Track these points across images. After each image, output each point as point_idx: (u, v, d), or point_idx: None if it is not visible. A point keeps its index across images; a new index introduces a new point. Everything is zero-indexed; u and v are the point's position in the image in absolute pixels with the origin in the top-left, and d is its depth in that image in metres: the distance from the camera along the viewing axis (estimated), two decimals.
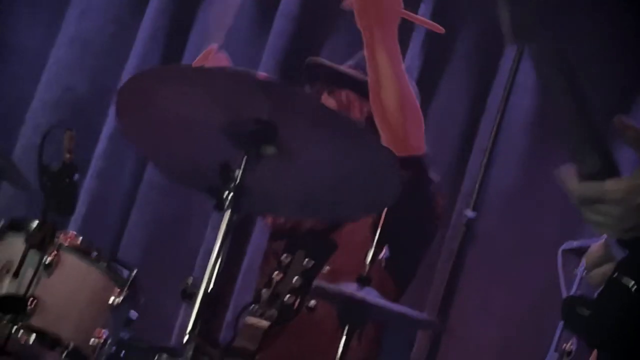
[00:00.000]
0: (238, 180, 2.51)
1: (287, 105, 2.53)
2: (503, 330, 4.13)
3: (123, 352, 2.79)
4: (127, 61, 5.04)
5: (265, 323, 2.28)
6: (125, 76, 4.89)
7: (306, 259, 2.35)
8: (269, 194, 2.70)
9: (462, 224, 4.19)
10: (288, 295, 2.30)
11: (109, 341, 2.73)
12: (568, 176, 1.77)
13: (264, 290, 2.32)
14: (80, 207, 4.70)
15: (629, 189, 1.71)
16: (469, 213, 4.22)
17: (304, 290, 2.31)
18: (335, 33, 4.74)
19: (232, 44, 4.55)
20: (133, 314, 2.82)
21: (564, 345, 3.24)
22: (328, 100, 3.38)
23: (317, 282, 2.59)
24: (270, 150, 2.59)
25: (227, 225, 2.50)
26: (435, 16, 4.43)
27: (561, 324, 3.31)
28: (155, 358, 2.77)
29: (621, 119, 1.76)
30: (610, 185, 1.71)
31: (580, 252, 3.47)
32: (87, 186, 4.88)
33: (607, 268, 1.83)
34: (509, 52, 4.31)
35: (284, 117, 2.55)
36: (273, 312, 2.29)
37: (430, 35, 4.49)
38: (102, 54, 5.13)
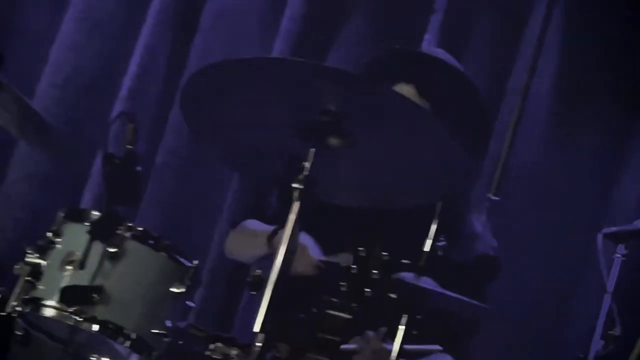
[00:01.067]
0: (307, 173, 2.51)
1: (354, 96, 2.53)
2: (534, 316, 4.16)
3: (181, 340, 2.78)
4: (136, 41, 4.98)
5: (346, 316, 2.29)
6: (134, 58, 4.85)
7: (383, 253, 2.35)
8: (333, 181, 2.70)
9: (485, 207, 4.21)
10: (368, 289, 2.31)
11: (170, 330, 2.71)
12: None
13: (342, 284, 2.33)
14: (94, 190, 4.67)
15: None
16: (492, 197, 4.24)
17: (383, 283, 2.31)
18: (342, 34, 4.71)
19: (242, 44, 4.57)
20: (190, 303, 2.81)
21: (609, 331, 3.29)
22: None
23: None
24: (336, 141, 2.58)
25: (296, 216, 2.50)
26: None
27: (604, 310, 3.36)
28: (211, 347, 2.76)
29: None
30: None
31: (619, 236, 3.50)
32: (97, 168, 4.83)
33: None
34: (530, 34, 4.33)
35: (351, 108, 2.54)
36: (354, 305, 2.30)
37: (449, 16, 4.48)
38: (111, 35, 5.07)
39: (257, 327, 2.40)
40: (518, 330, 4.16)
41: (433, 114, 3.06)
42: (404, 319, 2.75)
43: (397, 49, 3.57)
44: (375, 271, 2.34)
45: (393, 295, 2.72)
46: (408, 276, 2.82)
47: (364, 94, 2.55)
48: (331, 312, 2.31)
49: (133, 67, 4.81)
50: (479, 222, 3.48)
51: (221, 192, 4.62)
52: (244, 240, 3.49)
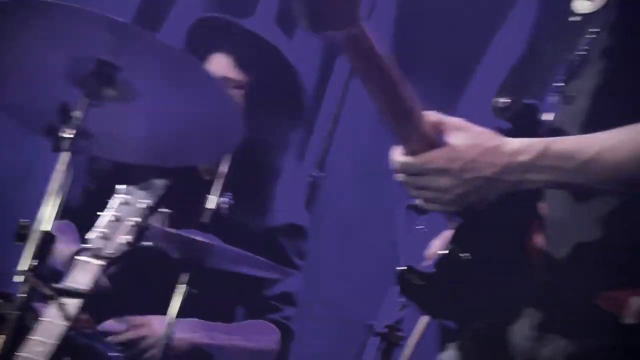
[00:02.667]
0: (78, 122, 2.46)
1: (132, 47, 2.49)
2: (352, 285, 4.17)
3: None
4: None
5: (99, 262, 2.25)
6: None
7: (144, 200, 2.32)
8: (112, 137, 2.66)
9: (308, 183, 4.22)
10: (123, 236, 2.27)
11: None
12: (394, 153, 1.78)
13: (97, 230, 2.28)
14: None
15: (450, 156, 1.70)
16: (317, 173, 4.25)
17: (139, 230, 2.28)
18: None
19: None
20: None
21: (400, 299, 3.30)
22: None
23: (156, 225, 2.57)
24: (111, 92, 2.54)
25: (65, 166, 2.45)
26: None
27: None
28: None
29: None
30: (430, 156, 1.71)
31: (420, 209, 3.52)
32: None
33: None
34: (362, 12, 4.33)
35: (128, 59, 2.50)
36: (108, 252, 2.26)
37: None
38: None
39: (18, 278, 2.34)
40: (333, 300, 4.17)
41: (248, 86, 3.08)
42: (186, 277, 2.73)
43: (218, 17, 3.54)
44: (133, 218, 2.29)
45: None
46: (191, 232, 2.80)
47: (138, 46, 2.51)
48: (82, 258, 2.25)
49: None
50: (286, 190, 3.47)
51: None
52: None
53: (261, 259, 2.87)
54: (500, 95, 1.87)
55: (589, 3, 1.82)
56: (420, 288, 1.77)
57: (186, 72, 2.58)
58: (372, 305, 4.07)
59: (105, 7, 2.50)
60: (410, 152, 1.73)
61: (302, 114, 3.44)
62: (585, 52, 1.81)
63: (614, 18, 1.79)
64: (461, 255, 1.75)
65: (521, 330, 1.83)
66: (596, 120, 1.77)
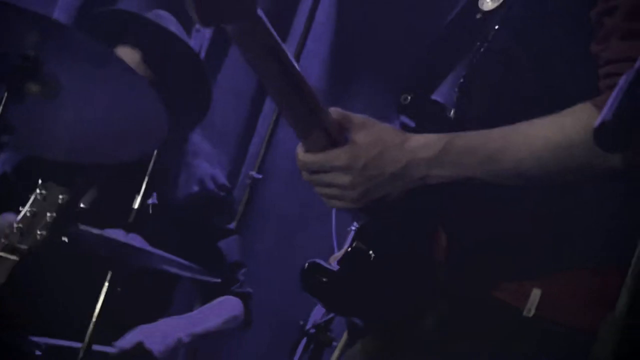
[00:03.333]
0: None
1: (56, 42, 2.47)
2: (288, 286, 4.16)
3: None
4: None
5: (13, 257, 2.21)
6: None
7: (61, 195, 2.29)
8: (35, 132, 2.63)
9: (247, 184, 4.21)
10: (40, 231, 2.24)
11: None
12: (298, 150, 1.76)
13: (15, 225, 2.25)
14: None
15: (353, 153, 1.69)
16: (255, 174, 4.25)
17: (57, 226, 2.25)
18: None
19: None
20: None
21: None
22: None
23: (80, 225, 2.55)
24: (35, 87, 2.51)
25: None
26: None
27: None
28: None
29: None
30: (333, 153, 1.70)
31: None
32: None
33: None
34: (301, 15, 4.34)
35: (52, 54, 2.48)
36: (23, 247, 2.23)
37: None
38: None
39: None
40: (268, 301, 4.15)
41: (154, 77, 3.04)
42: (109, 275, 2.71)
43: (119, 10, 3.49)
44: (50, 213, 2.27)
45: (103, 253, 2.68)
46: (115, 233, 2.78)
47: (64, 41, 2.48)
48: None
49: None
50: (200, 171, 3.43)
51: None
52: None
53: (181, 260, 2.86)
54: (404, 91, 1.87)
55: (491, 1, 1.84)
56: (324, 285, 1.76)
57: (111, 68, 2.56)
58: (307, 306, 4.08)
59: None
60: (313, 149, 1.71)
61: (208, 109, 3.38)
62: (484, 49, 1.83)
63: (512, 15, 1.81)
64: (365, 252, 1.75)
65: (424, 325, 1.83)
66: (493, 115, 1.78)
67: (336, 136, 1.71)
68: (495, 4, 1.84)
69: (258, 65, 1.65)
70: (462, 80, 1.90)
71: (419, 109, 1.85)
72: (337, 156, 1.69)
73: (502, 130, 1.68)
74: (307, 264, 1.80)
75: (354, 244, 1.78)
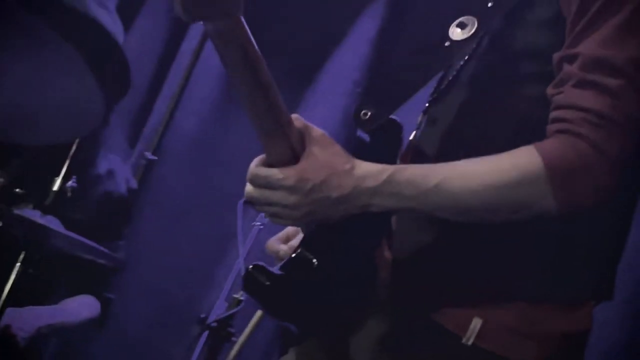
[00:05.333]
0: None
1: None
2: (176, 272, 4.14)
3: None
4: None
5: None
6: None
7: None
8: None
9: (141, 165, 4.16)
10: None
11: None
12: (253, 163, 1.75)
13: None
14: None
15: (301, 175, 1.70)
16: (150, 155, 4.20)
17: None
18: None
19: None
20: None
21: (234, 295, 3.31)
22: None
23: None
24: None
25: None
26: None
27: (233, 274, 3.38)
28: None
29: None
30: (283, 172, 1.70)
31: None
32: None
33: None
34: None
35: None
36: None
37: None
38: None
39: None
40: (158, 292, 4.13)
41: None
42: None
43: None
44: None
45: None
46: (31, 213, 2.72)
47: None
48: None
49: None
50: (113, 165, 3.39)
51: None
52: None
53: (95, 245, 2.82)
54: (363, 105, 1.89)
55: (460, 31, 1.87)
56: (266, 288, 1.77)
57: (46, 49, 2.49)
58: (196, 294, 4.07)
59: None
60: (274, 158, 1.73)
61: (127, 87, 3.32)
62: (452, 77, 1.87)
63: (481, 50, 1.85)
64: (309, 260, 1.76)
65: (362, 343, 1.85)
66: (452, 145, 1.83)
67: (297, 146, 1.72)
68: (465, 35, 1.87)
69: (231, 66, 1.64)
70: (427, 104, 1.94)
71: (377, 126, 1.87)
72: (287, 176, 1.70)
73: (443, 166, 1.71)
74: (251, 266, 1.79)
75: (299, 250, 1.78)
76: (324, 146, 1.74)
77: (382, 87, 2.00)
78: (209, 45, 4.32)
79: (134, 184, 3.42)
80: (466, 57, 1.87)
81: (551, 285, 1.77)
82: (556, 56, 1.72)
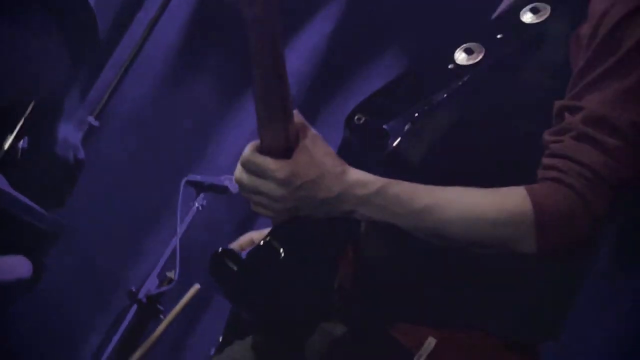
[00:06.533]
0: None
1: None
2: (109, 241, 4.11)
3: None
4: None
5: None
6: None
7: None
8: None
9: (83, 130, 4.12)
10: None
11: None
12: (249, 145, 1.74)
13: None
14: None
15: (293, 170, 1.70)
16: (93, 120, 4.16)
17: None
18: None
19: None
20: None
21: (167, 273, 3.31)
22: None
23: None
24: None
25: None
26: None
27: (168, 251, 3.38)
28: None
29: None
30: (276, 164, 1.70)
31: (200, 186, 3.54)
32: None
33: None
34: None
35: None
36: None
37: None
38: None
39: None
40: (90, 259, 4.10)
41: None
42: None
43: None
44: None
45: None
46: None
47: None
48: None
49: None
50: (67, 133, 3.36)
51: None
52: None
53: (38, 208, 2.80)
54: (358, 110, 1.90)
55: (466, 57, 1.89)
56: (233, 273, 1.77)
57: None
58: (127, 266, 4.05)
59: None
60: (266, 151, 1.74)
61: (95, 40, 3.28)
62: (448, 98, 1.89)
63: (480, 78, 1.88)
64: (276, 249, 1.76)
65: (314, 346, 1.85)
66: (432, 161, 1.84)
67: (292, 139, 1.73)
68: (470, 62, 1.88)
69: (258, 52, 1.64)
70: (416, 114, 1.96)
71: (369, 133, 1.88)
72: (280, 168, 1.70)
73: (434, 189, 1.71)
74: (220, 249, 1.79)
75: (267, 239, 1.79)
76: (318, 145, 1.74)
77: (377, 96, 2.00)
78: (165, 18, 4.31)
79: (82, 154, 3.39)
80: (466, 81, 1.88)
81: (509, 322, 1.79)
82: (558, 104, 1.73)
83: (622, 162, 1.65)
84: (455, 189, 1.71)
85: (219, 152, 4.25)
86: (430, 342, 1.77)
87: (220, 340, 2.00)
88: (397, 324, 1.79)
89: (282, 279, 1.76)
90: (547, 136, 1.73)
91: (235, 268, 1.75)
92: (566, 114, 1.71)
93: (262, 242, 1.77)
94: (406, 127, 1.96)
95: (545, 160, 1.71)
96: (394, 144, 1.92)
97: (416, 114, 1.94)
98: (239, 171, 1.75)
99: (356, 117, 1.89)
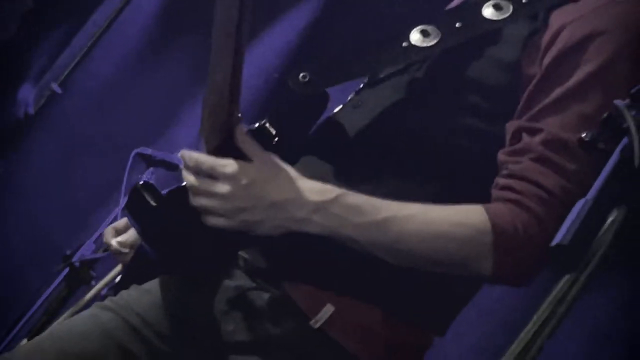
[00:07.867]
0: None
1: None
2: (55, 206, 4.08)
3: None
4: None
5: None
6: None
7: None
8: None
9: (45, 95, 4.11)
10: None
11: None
12: (200, 146, 1.71)
13: None
14: None
15: (244, 166, 1.65)
16: (56, 87, 4.14)
17: None
18: None
19: None
20: None
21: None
22: None
23: None
24: None
25: None
26: None
27: (108, 221, 3.34)
28: None
29: None
30: (225, 160, 1.65)
31: (150, 160, 3.49)
32: None
33: None
34: None
35: None
36: None
37: None
38: None
39: None
40: (33, 220, 4.07)
41: None
42: None
43: None
44: None
45: None
46: None
47: None
48: None
49: None
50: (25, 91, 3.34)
51: None
52: None
53: None
54: (304, 68, 1.86)
55: (421, 38, 1.87)
56: (149, 207, 1.73)
57: None
58: (69, 233, 4.00)
59: None
60: (209, 151, 1.70)
61: None
62: (396, 73, 1.86)
63: (431, 62, 1.86)
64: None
65: (212, 299, 1.81)
66: (369, 135, 1.82)
67: (235, 147, 1.69)
68: (425, 44, 1.85)
69: (222, 30, 1.63)
70: (361, 85, 1.93)
71: (310, 93, 1.83)
72: (229, 164, 1.65)
73: (392, 203, 1.68)
74: (142, 182, 1.74)
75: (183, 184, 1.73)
76: (269, 153, 1.71)
77: (326, 59, 1.96)
78: None
79: (32, 109, 3.35)
80: (416, 61, 1.86)
81: (407, 306, 1.77)
82: (514, 124, 1.72)
83: (579, 185, 1.64)
84: (415, 204, 1.69)
85: (179, 132, 4.22)
86: (329, 309, 1.73)
87: (117, 281, 1.96)
88: (299, 285, 1.75)
89: (197, 222, 1.70)
90: (503, 156, 1.72)
91: (153, 203, 1.72)
92: (524, 135, 1.70)
93: (185, 184, 1.72)
94: (349, 96, 1.94)
95: (502, 181, 1.70)
96: (335, 110, 1.90)
97: (361, 85, 1.92)
98: (189, 177, 1.69)
99: (301, 75, 1.84)
